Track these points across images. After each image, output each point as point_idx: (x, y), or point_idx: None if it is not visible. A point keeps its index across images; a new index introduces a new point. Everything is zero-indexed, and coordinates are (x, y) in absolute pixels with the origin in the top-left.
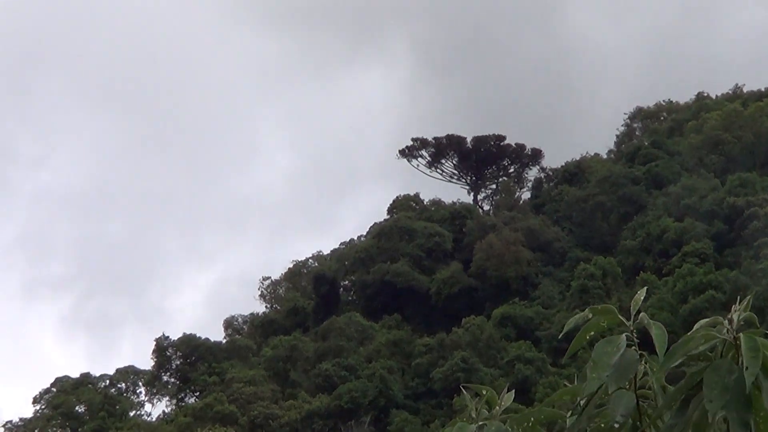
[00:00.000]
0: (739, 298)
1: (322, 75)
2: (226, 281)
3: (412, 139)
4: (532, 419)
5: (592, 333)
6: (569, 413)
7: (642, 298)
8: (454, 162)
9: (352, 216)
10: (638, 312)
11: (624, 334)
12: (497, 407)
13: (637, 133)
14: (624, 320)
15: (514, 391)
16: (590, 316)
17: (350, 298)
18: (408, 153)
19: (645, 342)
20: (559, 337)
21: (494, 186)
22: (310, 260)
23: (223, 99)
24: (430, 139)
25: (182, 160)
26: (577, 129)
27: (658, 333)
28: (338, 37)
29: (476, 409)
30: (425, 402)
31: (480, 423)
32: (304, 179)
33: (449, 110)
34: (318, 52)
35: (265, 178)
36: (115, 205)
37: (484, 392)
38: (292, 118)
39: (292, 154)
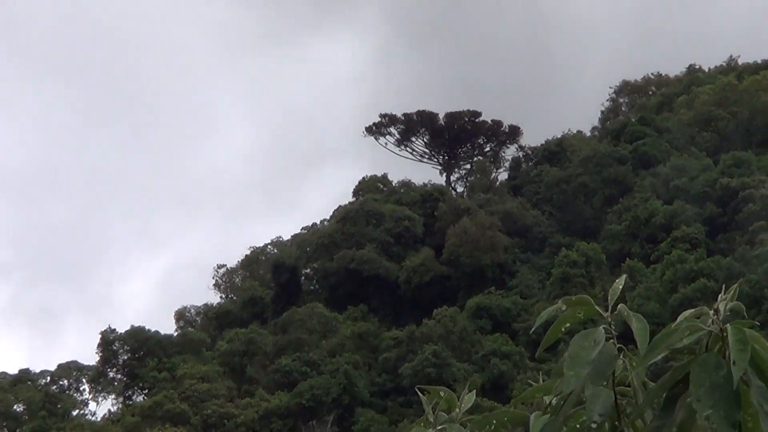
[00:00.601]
0: (724, 286)
1: (285, 43)
2: (179, 269)
3: (380, 116)
4: (495, 422)
5: (568, 325)
6: (539, 413)
7: (621, 287)
8: (425, 140)
9: (315, 198)
10: (618, 302)
11: (602, 327)
12: (457, 409)
13: (623, 108)
14: (601, 312)
15: (474, 392)
16: (564, 308)
17: (312, 288)
18: (375, 130)
19: (627, 336)
20: (531, 331)
21: (468, 166)
22: (269, 246)
23: (177, 69)
24: (399, 115)
25: (132, 136)
26: (559, 104)
27: (638, 326)
28: (305, 3)
29: (434, 412)
30: (393, 400)
31: (438, 427)
32: (264, 158)
33: (422, 84)
34: (281, 17)
35: (222, 156)
36: (57, 186)
37: (442, 393)
38: (253, 90)
39: (251, 130)
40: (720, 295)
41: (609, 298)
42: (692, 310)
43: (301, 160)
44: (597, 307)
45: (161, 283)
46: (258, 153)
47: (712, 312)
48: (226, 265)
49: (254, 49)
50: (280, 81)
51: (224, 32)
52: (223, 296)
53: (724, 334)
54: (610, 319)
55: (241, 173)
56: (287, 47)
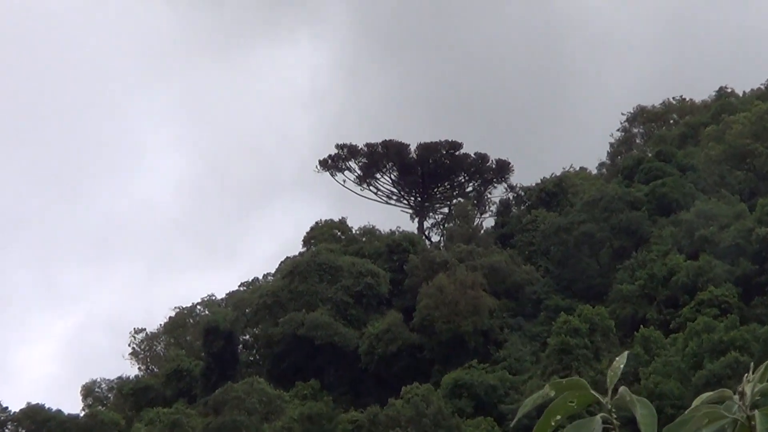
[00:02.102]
0: (752, 364)
1: (226, 53)
2: (89, 331)
3: (337, 146)
4: None
5: (559, 418)
6: None
7: (622, 365)
8: (392, 177)
9: (258, 246)
10: (628, 381)
11: (599, 416)
12: None
13: (638, 140)
14: (600, 397)
15: None
16: (552, 393)
17: (252, 359)
18: (332, 164)
19: (634, 424)
20: (512, 424)
21: (446, 209)
22: (199, 307)
23: (95, 86)
24: (361, 146)
25: (34, 168)
26: (559, 134)
27: (643, 413)
28: (251, 5)
29: None
30: None
31: None
32: (197, 195)
33: (391, 105)
34: (222, 22)
35: (146, 192)
36: None
37: None
38: (186, 110)
39: (183, 161)
40: (746, 375)
41: (608, 379)
42: (711, 393)
43: (242, 199)
44: (594, 392)
45: (67, 348)
46: (190, 189)
47: (737, 395)
48: (145, 329)
49: (188, 61)
50: (219, 99)
51: (155, 41)
52: (142, 368)
53: (752, 423)
54: (610, 406)
55: (169, 214)
56: (229, 58)
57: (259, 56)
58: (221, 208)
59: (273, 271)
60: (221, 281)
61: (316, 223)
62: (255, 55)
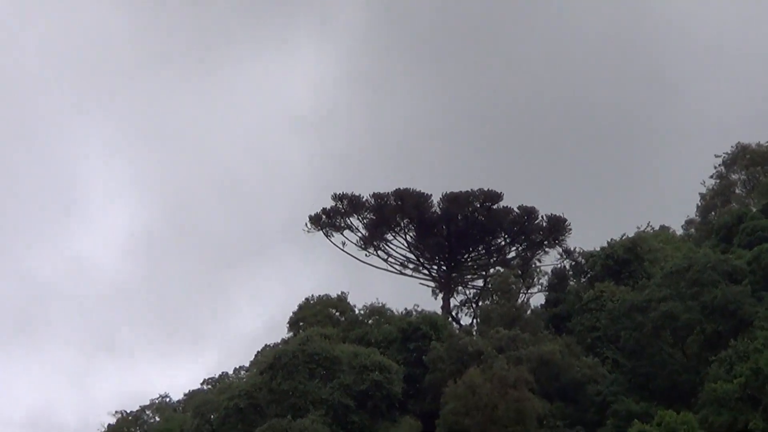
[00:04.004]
0: None
1: (200, 66)
2: None
3: (335, 197)
4: None
5: None
6: None
7: None
8: (409, 238)
9: (230, 328)
10: None
11: None
12: None
13: (738, 190)
14: None
15: None
16: None
17: None
18: (327, 222)
19: None
20: None
21: (480, 282)
22: (148, 411)
23: (13, 109)
24: (367, 196)
25: None
26: (632, 182)
27: None
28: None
29: None
30: None
31: None
32: (152, 254)
33: (412, 140)
34: (196, 25)
35: (83, 249)
36: None
37: None
38: (142, 140)
39: (135, 207)
40: None
41: None
42: None
43: (212, 262)
44: None
45: None
46: (142, 246)
47: None
48: None
49: (144, 74)
50: (186, 124)
51: (93, 45)
52: None
53: None
54: None
55: (112, 279)
56: (201, 70)
57: (243, 67)
58: (183, 274)
59: (248, 363)
60: (179, 375)
61: (307, 299)
62: (237, 65)
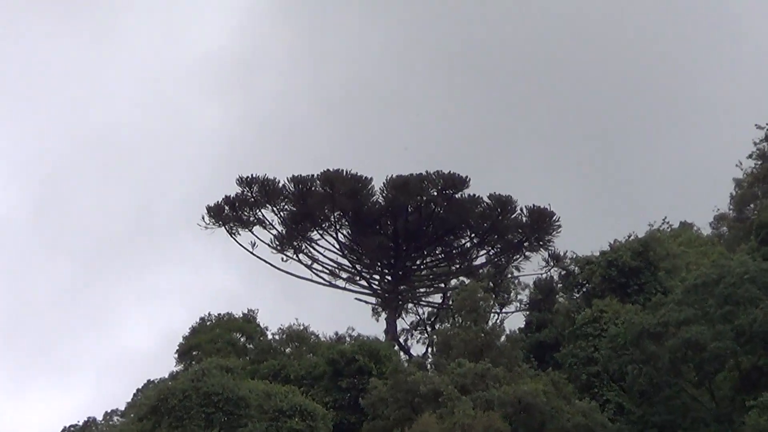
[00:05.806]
0: None
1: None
2: None
3: (240, 181)
4: None
5: None
6: None
7: None
8: (340, 237)
9: (102, 353)
10: None
11: None
12: None
13: None
14: None
15: None
16: None
17: None
18: (231, 214)
19: None
20: None
21: (438, 297)
22: None
23: None
24: (285, 180)
25: None
26: (644, 163)
27: None
28: None
29: None
30: None
31: None
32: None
33: (349, 100)
34: None
35: None
36: None
37: None
38: None
39: None
40: None
41: None
42: None
43: (82, 263)
44: None
45: None
46: None
47: None
48: None
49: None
50: (47, 77)
51: None
52: None
53: None
54: None
55: None
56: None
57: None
58: (49, 275)
59: (124, 404)
60: (32, 417)
61: (202, 319)
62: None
